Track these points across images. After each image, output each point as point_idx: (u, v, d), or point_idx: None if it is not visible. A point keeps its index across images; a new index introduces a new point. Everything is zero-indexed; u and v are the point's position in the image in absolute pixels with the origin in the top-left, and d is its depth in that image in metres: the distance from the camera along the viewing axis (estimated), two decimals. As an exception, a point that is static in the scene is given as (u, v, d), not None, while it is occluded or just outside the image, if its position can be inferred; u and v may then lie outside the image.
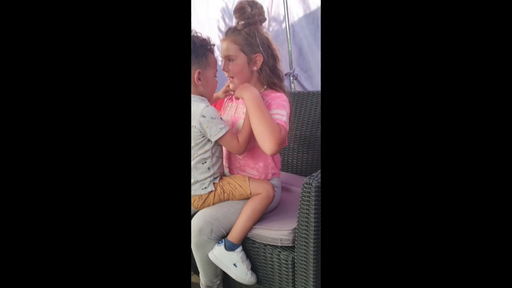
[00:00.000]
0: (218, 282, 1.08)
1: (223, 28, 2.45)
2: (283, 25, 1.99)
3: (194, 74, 1.00)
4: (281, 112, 1.00)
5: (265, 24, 1.10)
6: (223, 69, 1.10)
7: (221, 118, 1.01)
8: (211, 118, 0.97)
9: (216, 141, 1.01)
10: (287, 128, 0.98)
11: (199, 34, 1.03)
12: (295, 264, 0.95)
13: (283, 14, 1.97)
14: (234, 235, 1.01)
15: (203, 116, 0.97)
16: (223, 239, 1.01)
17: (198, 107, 0.98)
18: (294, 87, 1.99)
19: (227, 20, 2.46)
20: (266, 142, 0.92)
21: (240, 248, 1.02)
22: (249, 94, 1.00)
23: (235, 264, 1.00)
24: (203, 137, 1.00)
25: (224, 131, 0.99)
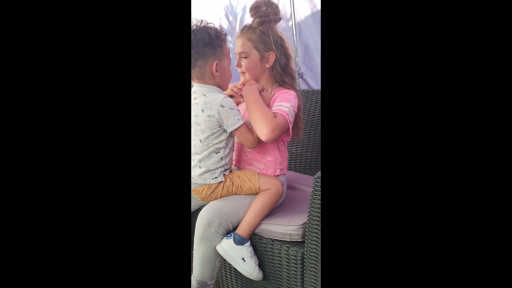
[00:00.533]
0: (211, 286, 1.05)
1: (226, 26, 2.44)
2: (290, 23, 1.98)
3: (212, 66, 1.00)
4: (284, 104, 1.02)
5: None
6: (236, 65, 1.12)
7: (238, 110, 1.02)
8: (230, 108, 0.98)
9: (231, 132, 1.01)
10: (288, 118, 0.99)
11: (211, 25, 1.02)
12: (305, 260, 0.94)
13: (290, 12, 1.97)
14: (243, 229, 1.00)
15: (222, 106, 0.97)
16: (232, 233, 1.00)
17: (217, 97, 0.98)
18: (300, 86, 1.98)
19: (230, 18, 2.45)
20: (258, 128, 0.96)
21: (249, 243, 1.01)
22: (245, 89, 1.06)
23: (243, 259, 0.98)
24: (219, 126, 1.00)
25: (241, 122, 0.99)
